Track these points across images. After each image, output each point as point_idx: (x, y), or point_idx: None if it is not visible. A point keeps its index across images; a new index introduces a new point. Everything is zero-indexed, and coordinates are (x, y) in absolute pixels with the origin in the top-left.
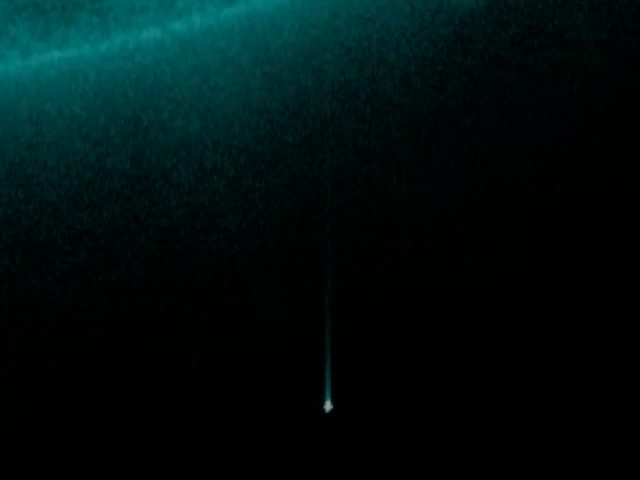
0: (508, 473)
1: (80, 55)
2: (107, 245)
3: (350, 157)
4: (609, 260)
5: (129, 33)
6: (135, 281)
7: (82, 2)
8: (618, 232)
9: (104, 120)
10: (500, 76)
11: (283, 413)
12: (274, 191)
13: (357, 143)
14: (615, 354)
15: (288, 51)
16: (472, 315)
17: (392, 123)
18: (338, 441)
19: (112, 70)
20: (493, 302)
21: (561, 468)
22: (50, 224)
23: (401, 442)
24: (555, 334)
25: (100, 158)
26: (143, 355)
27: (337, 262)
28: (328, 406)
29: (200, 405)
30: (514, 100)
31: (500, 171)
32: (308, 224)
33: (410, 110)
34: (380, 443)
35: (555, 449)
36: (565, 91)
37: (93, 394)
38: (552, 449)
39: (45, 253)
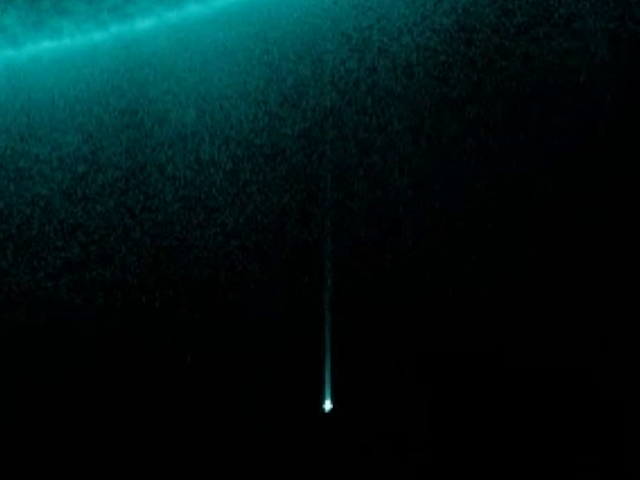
0: (510, 473)
1: (73, 45)
2: (101, 240)
3: (350, 150)
4: (616, 256)
5: (123, 23)
6: (129, 277)
7: None
8: (625, 227)
9: (98, 112)
10: (504, 66)
11: (282, 412)
12: (272, 184)
13: (357, 135)
14: (620, 352)
15: (286, 40)
16: (475, 312)
17: (393, 115)
18: (338, 440)
19: (106, 60)
20: (496, 299)
21: (563, 467)
22: (42, 218)
23: (401, 441)
24: (559, 332)
25: (94, 151)
26: (138, 353)
27: (337, 258)
28: (328, 405)
29: (197, 403)
30: (518, 91)
31: (504, 164)
32: (307, 218)
33: (412, 101)
34: (380, 443)
35: (558, 448)
36: (571, 82)
37: (87, 392)
38: (555, 448)
39: (37, 248)
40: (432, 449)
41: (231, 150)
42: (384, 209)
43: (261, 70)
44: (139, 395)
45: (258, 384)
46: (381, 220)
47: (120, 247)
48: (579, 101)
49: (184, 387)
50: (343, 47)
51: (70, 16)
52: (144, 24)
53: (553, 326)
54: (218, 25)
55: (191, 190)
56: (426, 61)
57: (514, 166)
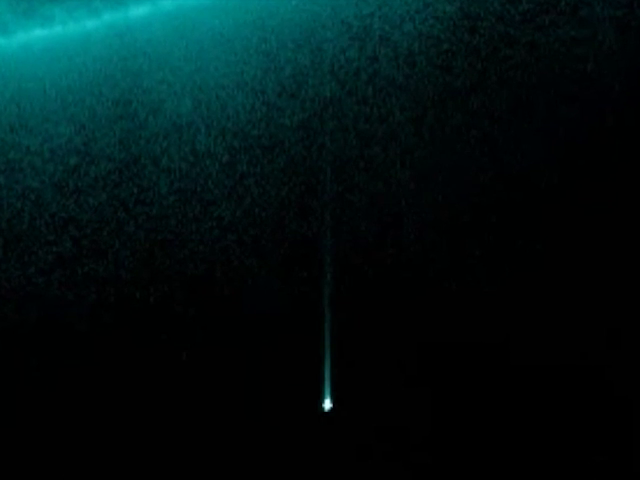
0: (514, 473)
1: (65, 33)
2: (93, 234)
3: (351, 141)
4: (624, 251)
5: (117, 10)
6: (123, 272)
7: None
8: (634, 221)
9: (90, 102)
10: (509, 55)
11: (281, 412)
12: (270, 177)
13: (358, 126)
14: (628, 350)
15: (285, 29)
16: (479, 309)
17: (395, 105)
18: (338, 440)
19: (99, 49)
20: (501, 295)
21: (569, 467)
22: (33, 212)
23: (403, 441)
24: (565, 329)
25: (86, 142)
26: (133, 351)
27: (337, 252)
28: (327, 405)
29: (192, 402)
30: (524, 80)
31: (509, 156)
32: (306, 212)
33: (414, 91)
34: (380, 443)
35: (563, 447)
36: (578, 71)
37: (79, 389)
38: (560, 447)
39: (27, 242)
40: (434, 449)
41: (228, 141)
42: (385, 202)
43: (259, 59)
44: (133, 393)
45: (256, 382)
46: (382, 214)
47: (113, 241)
48: (586, 91)
49: (179, 385)
50: (343, 35)
51: (62, 3)
52: (138, 12)
53: (559, 323)
54: (215, 13)
55: (187, 183)
56: (429, 50)
57: (519, 158)
